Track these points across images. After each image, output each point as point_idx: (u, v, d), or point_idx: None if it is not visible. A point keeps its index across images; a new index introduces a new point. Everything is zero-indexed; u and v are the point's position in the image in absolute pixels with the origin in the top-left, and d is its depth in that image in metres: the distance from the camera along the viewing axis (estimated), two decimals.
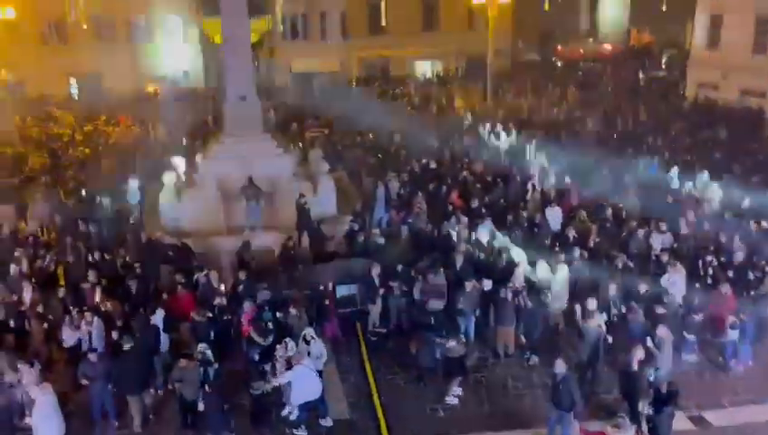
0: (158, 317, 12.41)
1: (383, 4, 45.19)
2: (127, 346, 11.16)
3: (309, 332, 11.15)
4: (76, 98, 42.41)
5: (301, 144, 24.44)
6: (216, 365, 11.04)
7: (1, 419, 10.30)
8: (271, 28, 44.61)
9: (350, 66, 45.60)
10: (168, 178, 18.78)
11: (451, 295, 13.22)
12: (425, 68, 46.87)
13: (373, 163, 23.01)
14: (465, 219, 16.42)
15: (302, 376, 10.57)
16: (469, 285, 13.06)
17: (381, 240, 16.19)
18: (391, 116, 31.90)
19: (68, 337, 12.31)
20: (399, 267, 14.16)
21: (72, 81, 44.17)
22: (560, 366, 10.08)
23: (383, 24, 45.57)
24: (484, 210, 17.32)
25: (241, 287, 13.56)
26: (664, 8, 50.21)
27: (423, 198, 18.04)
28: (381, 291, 13.79)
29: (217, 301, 12.99)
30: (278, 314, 12.41)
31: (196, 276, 14.17)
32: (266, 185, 18.00)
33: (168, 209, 18.06)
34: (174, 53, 44.69)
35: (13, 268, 14.37)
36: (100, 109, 36.34)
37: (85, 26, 42.31)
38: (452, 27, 44.84)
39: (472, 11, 41.58)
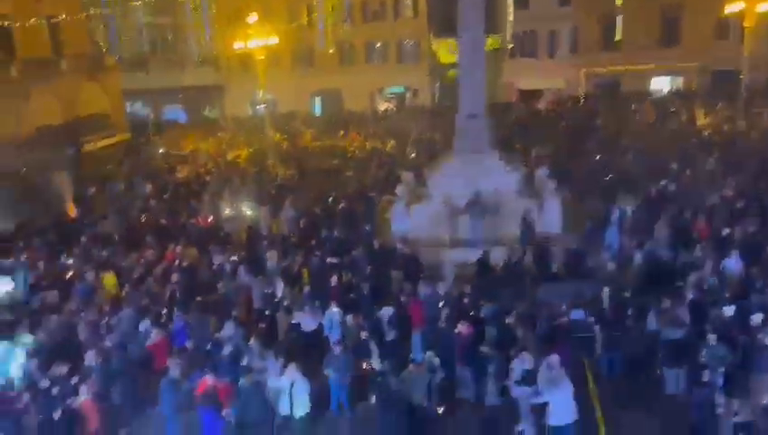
0: (384, 314, 13.14)
1: (619, 19, 43.09)
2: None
3: (553, 359, 10.44)
4: (318, 114, 46.89)
5: (526, 162, 24.18)
6: (442, 374, 11.34)
7: (257, 402, 11.43)
8: (501, 46, 45.11)
9: (577, 83, 44.16)
10: (400, 191, 19.92)
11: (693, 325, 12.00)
12: (662, 84, 43.58)
13: (603, 184, 21.89)
14: (710, 250, 14.83)
15: (561, 398, 10.14)
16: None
17: (611, 265, 15.36)
18: (623, 135, 30.30)
19: (307, 324, 13.61)
20: (629, 294, 13.23)
21: (316, 99, 48.97)
22: None
23: (617, 38, 43.43)
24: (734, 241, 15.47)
25: (466, 300, 13.77)
26: None
27: (664, 224, 16.69)
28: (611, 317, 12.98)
29: (443, 312, 13.40)
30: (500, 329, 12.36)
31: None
32: (492, 201, 18.22)
33: (397, 220, 19.12)
34: (405, 73, 47.28)
35: (269, 264, 16.34)
36: (339, 125, 39.84)
37: (331, 51, 46.81)
38: (696, 40, 41.08)
39: (721, 21, 37.75)
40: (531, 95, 44.09)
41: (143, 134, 40.11)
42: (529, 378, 10.56)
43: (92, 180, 29.01)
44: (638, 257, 15.36)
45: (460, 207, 18.29)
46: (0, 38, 31.69)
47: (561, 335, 12.19)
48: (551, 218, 18.26)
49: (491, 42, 42.53)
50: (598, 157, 25.98)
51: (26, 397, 11.03)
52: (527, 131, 32.47)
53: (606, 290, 13.50)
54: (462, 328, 12.00)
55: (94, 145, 34.85)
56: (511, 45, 45.34)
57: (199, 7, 49.11)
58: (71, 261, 18.21)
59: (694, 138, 29.14)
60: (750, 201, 18.14)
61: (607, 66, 42.96)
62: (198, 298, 14.76)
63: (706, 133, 30.09)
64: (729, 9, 31.97)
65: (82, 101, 36.48)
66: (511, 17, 44.64)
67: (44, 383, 11.36)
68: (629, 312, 12.82)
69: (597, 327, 12.83)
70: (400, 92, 48.95)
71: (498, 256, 16.23)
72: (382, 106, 48.13)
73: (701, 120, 33.49)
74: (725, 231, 16.09)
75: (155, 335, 13.24)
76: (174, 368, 11.26)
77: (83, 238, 20.02)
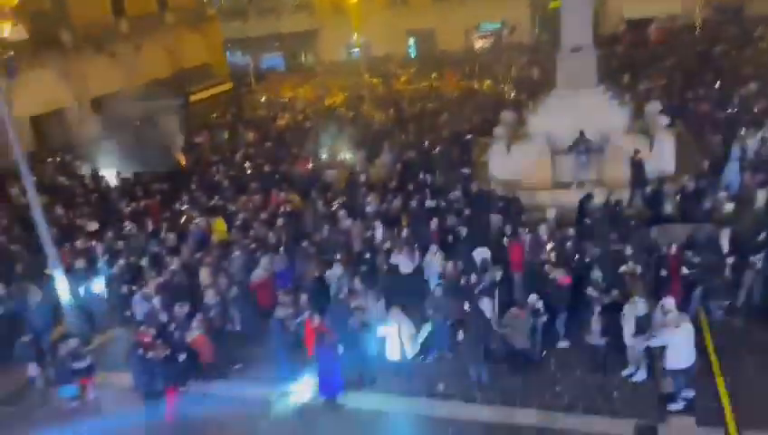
0: (478, 255, 13.11)
1: None
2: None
3: (668, 302, 10.00)
4: (412, 56, 46.06)
5: (635, 97, 22.70)
6: (545, 317, 11.17)
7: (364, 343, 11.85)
8: None
9: (694, 8, 40.42)
10: (499, 132, 19.36)
11: None
12: None
13: (721, 118, 20.22)
14: None
15: (679, 341, 9.78)
16: None
17: (730, 205, 14.31)
18: (746, 64, 27.68)
19: (405, 266, 13.81)
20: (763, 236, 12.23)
21: (410, 40, 48.01)
22: None
23: None
24: None
25: (569, 244, 13.35)
26: None
27: None
28: (730, 261, 12.13)
29: (543, 256, 13.10)
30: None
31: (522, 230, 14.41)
32: (598, 139, 17.37)
33: (497, 162, 18.66)
34: (502, 7, 45.18)
35: (369, 208, 16.57)
36: (433, 65, 39.03)
37: None
38: None
39: None
40: (640, 24, 40.88)
41: (244, 83, 41.20)
42: (643, 323, 10.19)
43: (198, 130, 30.33)
44: (760, 197, 14.18)
45: (563, 146, 17.57)
46: None
47: (675, 279, 11.55)
48: (663, 157, 17.15)
49: None
50: (717, 89, 23.93)
51: (152, 332, 11.94)
52: (636, 64, 30.38)
53: (724, 232, 12.58)
54: (559, 276, 11.69)
55: (199, 95, 36.26)
56: None
57: None
58: (184, 207, 19.32)
59: None
60: None
61: None
62: (302, 241, 15.26)
63: None
64: None
65: (187, 53, 37.90)
66: None
67: (164, 319, 12.35)
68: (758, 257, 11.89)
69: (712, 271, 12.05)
70: (497, 29, 46.98)
71: (603, 198, 15.51)
72: (478, 44, 46.51)
73: None
74: None
75: (259, 275, 13.93)
76: (281, 309, 11.77)
77: (193, 186, 21.13)
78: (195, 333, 12.01)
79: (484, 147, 20.31)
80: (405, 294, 13.03)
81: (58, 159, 27.39)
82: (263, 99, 36.72)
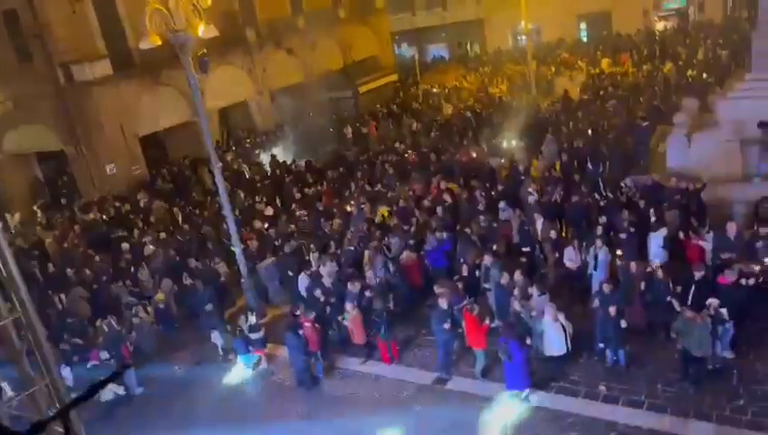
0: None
1: None
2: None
3: None
4: (585, 40, 43.80)
5: None
6: (729, 325, 10.13)
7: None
8: None
9: None
10: (679, 119, 17.81)
11: None
12: None
13: None
14: None
15: None
16: None
17: None
18: None
19: (570, 260, 13.29)
20: None
21: (582, 24, 45.70)
22: None
23: None
24: None
25: (760, 243, 11.94)
26: None
27: None
28: None
29: (726, 255, 11.87)
30: None
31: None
32: None
33: (676, 152, 17.18)
34: None
35: (530, 199, 16.13)
36: (607, 49, 36.81)
37: None
38: None
39: None
40: None
41: (410, 74, 41.96)
42: None
43: (366, 120, 31.48)
44: None
45: (755, 136, 15.71)
46: None
47: None
48: None
49: None
50: None
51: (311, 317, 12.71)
52: None
53: None
54: (726, 277, 10.50)
55: (368, 87, 37.55)
56: None
57: None
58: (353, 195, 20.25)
59: None
60: None
61: None
62: (461, 229, 15.30)
63: None
64: None
65: (357, 46, 39.40)
66: None
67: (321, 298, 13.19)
68: None
69: None
70: (681, 7, 43.08)
71: None
72: (659, 25, 43.01)
73: None
74: None
75: (407, 256, 14.41)
76: (442, 299, 11.85)
77: (360, 173, 22.02)
78: (351, 314, 12.60)
79: (663, 136, 18.78)
80: (569, 289, 12.57)
81: (242, 147, 29.96)
82: (428, 89, 37.10)
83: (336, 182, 21.94)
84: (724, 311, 10.13)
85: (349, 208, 18.95)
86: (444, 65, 46.18)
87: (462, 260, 13.84)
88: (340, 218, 17.95)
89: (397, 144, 25.68)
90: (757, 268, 11.26)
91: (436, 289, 12.45)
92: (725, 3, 41.71)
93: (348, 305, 12.83)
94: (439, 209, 16.73)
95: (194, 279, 15.66)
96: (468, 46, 50.73)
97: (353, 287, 13.32)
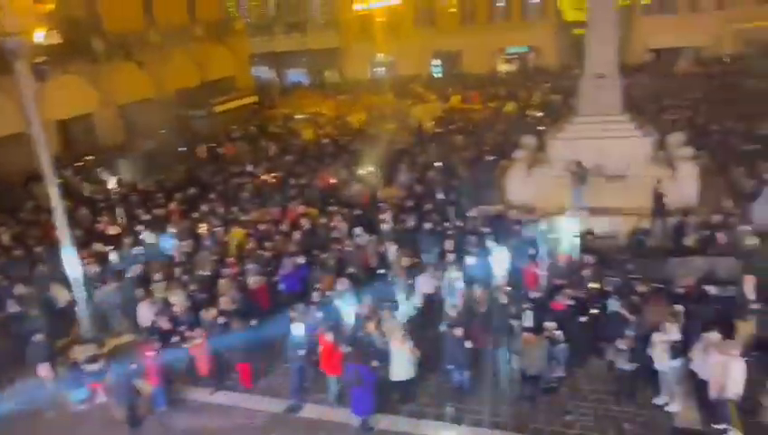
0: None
1: None
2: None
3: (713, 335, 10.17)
4: (438, 76, 46.28)
5: (659, 127, 22.52)
6: (563, 346, 11.05)
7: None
8: (633, 2, 42.10)
9: (724, 41, 40.21)
10: (519, 155, 19.33)
11: None
12: None
13: (747, 152, 19.97)
14: None
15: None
16: None
17: (755, 240, 14.06)
18: None
19: (425, 287, 13.70)
20: None
21: (436, 61, 48.25)
22: None
23: None
24: None
25: (586, 271, 13.21)
26: None
27: None
28: (756, 305, 11.82)
29: (558, 282, 12.98)
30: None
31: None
32: (620, 168, 17.27)
33: (516, 186, 18.59)
34: (528, 32, 45.37)
35: (384, 226, 16.57)
36: (457, 86, 39.18)
37: (453, 9, 45.73)
38: None
39: None
40: (666, 54, 40.75)
41: (268, 97, 41.67)
42: (677, 349, 10.29)
43: (222, 140, 30.67)
44: None
45: (583, 173, 17.47)
46: (141, 7, 33.91)
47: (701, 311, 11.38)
48: (685, 189, 16.95)
49: None
50: (742, 123, 23.70)
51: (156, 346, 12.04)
52: (662, 94, 30.23)
53: (749, 270, 12.30)
54: (559, 302, 11.55)
55: (224, 107, 36.70)
56: (645, 0, 42.03)
57: None
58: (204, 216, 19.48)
59: None
60: None
61: (760, 21, 38.61)
62: (317, 254, 15.32)
63: None
64: None
65: (213, 65, 38.47)
66: None
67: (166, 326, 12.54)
68: None
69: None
70: (522, 53, 47.14)
71: (623, 227, 15.38)
72: (504, 67, 46.68)
73: None
74: None
75: (256, 281, 14.19)
76: (295, 325, 11.73)
77: (214, 195, 21.32)
78: (195, 342, 12.08)
79: (505, 170, 20.26)
80: (421, 314, 13.00)
81: (83, 163, 27.81)
82: (286, 113, 37.04)
83: (188, 203, 21.06)
84: (559, 333, 11.03)
85: (201, 231, 18.24)
86: (303, 91, 46.44)
87: (317, 285, 13.83)
88: (191, 241, 17.22)
89: (254, 167, 25.25)
90: (583, 293, 12.38)
91: (291, 315, 12.31)
92: (560, 51, 46.26)
93: (195, 333, 12.28)
94: (296, 234, 16.65)
95: (22, 306, 14.15)
96: (328, 74, 51.51)
97: (207, 315, 12.77)
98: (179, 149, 28.97)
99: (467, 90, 38.09)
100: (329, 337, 11.41)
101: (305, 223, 17.48)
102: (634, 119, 19.31)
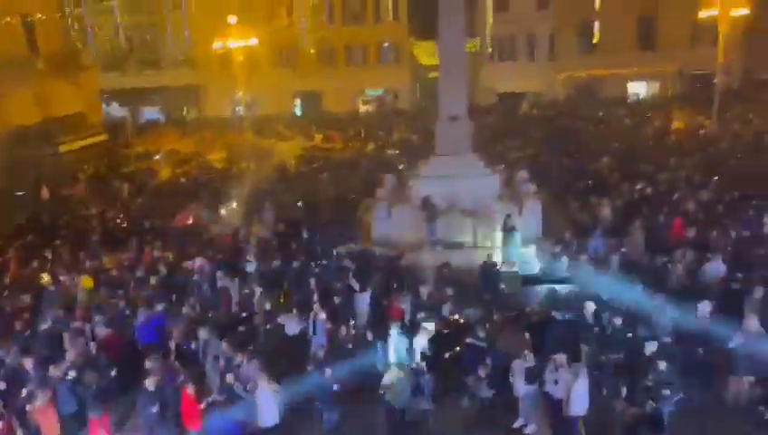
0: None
1: (596, 23, 43.52)
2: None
3: (560, 358, 10.84)
4: (299, 115, 46.72)
5: (507, 165, 24.34)
6: (428, 377, 11.38)
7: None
8: (479, 50, 45.47)
9: (556, 87, 44.57)
10: (380, 194, 19.96)
11: None
12: (639, 89, 44.18)
13: (582, 187, 22.10)
14: (690, 252, 15.03)
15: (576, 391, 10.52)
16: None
17: (589, 268, 15.54)
18: (601, 138, 30.69)
19: (291, 327, 13.55)
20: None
21: (297, 101, 48.75)
22: None
23: (595, 42, 43.88)
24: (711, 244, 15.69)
25: (447, 305, 13.80)
26: None
27: (639, 227, 16.89)
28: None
29: (421, 314, 13.46)
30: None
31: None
32: (471, 205, 18.40)
33: (379, 223, 19.11)
34: (386, 75, 47.32)
35: (249, 267, 16.25)
36: (319, 126, 39.80)
37: (312, 51, 46.65)
38: (672, 44, 41.68)
39: (697, 26, 38.36)
40: (511, 98, 44.34)
41: (120, 135, 39.63)
42: (533, 375, 10.89)
43: (68, 182, 28.60)
44: (614, 260, 15.53)
45: (438, 209, 18.37)
46: None
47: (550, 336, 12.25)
48: (531, 221, 18.37)
49: (470, 45, 42.83)
50: (576, 160, 26.24)
51: None
52: (507, 134, 32.70)
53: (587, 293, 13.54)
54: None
55: (71, 145, 34.31)
56: (490, 49, 45.59)
57: (178, 6, 48.66)
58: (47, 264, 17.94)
59: (670, 141, 29.62)
60: (727, 205, 18.44)
61: (585, 70, 43.41)
62: (176, 300, 14.64)
63: (682, 137, 30.59)
64: (704, 14, 32.61)
65: (58, 101, 35.94)
66: (490, 20, 44.91)
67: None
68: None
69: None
70: (381, 95, 49.02)
71: (477, 260, 16.31)
72: (362, 108, 48.18)
73: (677, 123, 34.02)
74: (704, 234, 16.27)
75: (106, 333, 13.35)
76: (150, 378, 11.08)
77: (58, 242, 19.75)
78: (39, 403, 11.00)
79: (369, 208, 20.78)
80: (287, 357, 12.78)
81: None
82: (140, 152, 35.40)
83: (28, 250, 19.28)
84: (422, 364, 11.37)
85: (43, 280, 16.76)
86: (159, 129, 44.71)
87: (175, 334, 13.19)
88: (31, 292, 15.76)
89: (104, 208, 23.76)
90: (444, 326, 12.91)
91: (147, 366, 11.61)
92: (416, 94, 48.73)
93: (40, 392, 11.15)
94: (152, 279, 15.82)
95: None
96: (186, 111, 50.08)
97: (55, 371, 11.67)
98: (18, 191, 26.58)
99: (329, 129, 38.78)
100: (189, 389, 10.87)
101: (162, 267, 16.69)
102: (484, 157, 20.74)
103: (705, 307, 11.89)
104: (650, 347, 10.94)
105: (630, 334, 11.73)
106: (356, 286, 14.76)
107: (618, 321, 12.01)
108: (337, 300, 14.27)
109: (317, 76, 47.18)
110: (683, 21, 39.66)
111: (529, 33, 44.94)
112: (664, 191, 20.62)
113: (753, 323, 11.24)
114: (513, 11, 44.33)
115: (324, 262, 16.71)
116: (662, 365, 10.35)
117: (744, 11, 31.60)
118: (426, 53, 46.83)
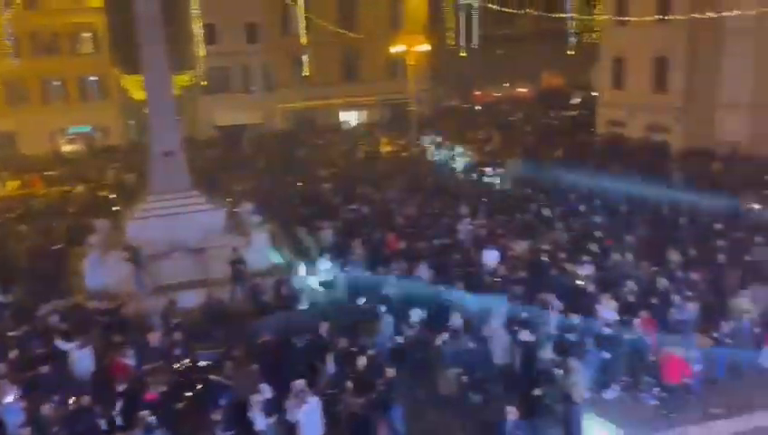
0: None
1: (305, 57, 45.82)
2: None
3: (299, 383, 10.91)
4: None
5: (230, 199, 24.09)
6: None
7: None
8: (194, 83, 44.53)
9: (275, 118, 45.78)
10: (93, 241, 18.16)
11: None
12: (350, 117, 47.66)
13: (306, 213, 22.90)
14: (402, 263, 16.56)
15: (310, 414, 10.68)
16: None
17: (320, 289, 16.16)
18: (320, 164, 32.34)
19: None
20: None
21: None
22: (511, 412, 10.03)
23: (306, 74, 46.14)
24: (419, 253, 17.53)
25: (178, 350, 13.03)
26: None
27: (359, 244, 18.08)
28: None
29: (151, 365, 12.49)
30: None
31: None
32: (197, 241, 17.76)
33: (93, 272, 17.30)
34: (91, 111, 43.58)
35: None
36: (15, 171, 34.90)
37: None
38: (373, 77, 45.94)
39: (390, 60, 42.89)
40: (233, 130, 44.06)
41: None
42: (270, 406, 10.82)
43: None
44: (340, 278, 16.39)
45: (136, 255, 17.19)
46: None
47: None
48: (259, 253, 18.35)
49: (182, 78, 41.83)
50: (298, 188, 27.17)
51: None
52: (231, 167, 32.43)
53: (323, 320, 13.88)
54: (153, 392, 11.40)
55: None
56: (205, 82, 44.91)
57: None
58: None
59: (379, 163, 32.54)
60: (430, 217, 20.83)
61: (301, 101, 45.35)
62: None
63: (389, 159, 33.87)
64: (394, 49, 36.75)
65: None
66: (203, 53, 44.25)
67: None
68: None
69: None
70: (87, 132, 44.82)
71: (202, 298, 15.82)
72: (67, 147, 43.52)
73: (384, 147, 37.51)
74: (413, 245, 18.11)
75: None
76: None
77: None
78: None
79: (79, 256, 18.66)
80: None
81: None
82: None
83: None
84: (152, 419, 10.45)
85: None
86: None
87: None
88: None
89: None
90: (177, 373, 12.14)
91: None
92: (128, 129, 45.62)
93: None
94: None
95: None
96: None
97: None
98: None
99: (26, 173, 34.17)
100: None
101: None
102: (205, 192, 20.12)
103: (416, 312, 13.25)
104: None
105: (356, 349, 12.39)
106: (66, 347, 13.07)
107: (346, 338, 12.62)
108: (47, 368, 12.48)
109: (7, 116, 41.32)
110: (379, 56, 43.97)
111: (243, 65, 45.41)
112: (378, 210, 22.48)
113: (457, 322, 12.84)
114: (224, 44, 44.31)
115: (29, 325, 14.48)
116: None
117: (426, 47, 36.44)
118: (137, 87, 44.17)
